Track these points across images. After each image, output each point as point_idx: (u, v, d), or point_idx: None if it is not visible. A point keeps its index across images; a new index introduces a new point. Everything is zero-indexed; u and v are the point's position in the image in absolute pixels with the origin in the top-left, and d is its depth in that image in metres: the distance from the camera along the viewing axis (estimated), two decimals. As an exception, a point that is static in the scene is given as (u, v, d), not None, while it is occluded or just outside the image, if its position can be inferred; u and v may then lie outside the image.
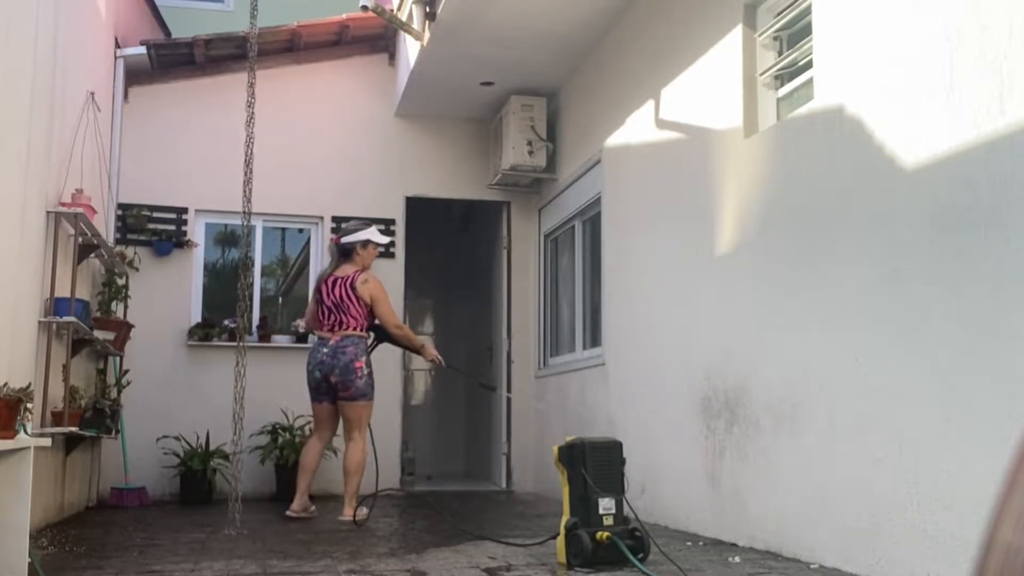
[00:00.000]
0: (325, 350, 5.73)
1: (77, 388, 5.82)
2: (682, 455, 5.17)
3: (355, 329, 5.74)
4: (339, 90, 8.27)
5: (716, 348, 4.83)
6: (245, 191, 5.39)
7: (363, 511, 5.65)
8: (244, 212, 5.41)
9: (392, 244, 6.23)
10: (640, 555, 3.72)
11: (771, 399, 4.27)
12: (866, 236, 3.65)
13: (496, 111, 8.09)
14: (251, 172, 5.44)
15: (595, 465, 3.89)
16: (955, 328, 3.15)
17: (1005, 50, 2.98)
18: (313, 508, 5.92)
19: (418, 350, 6.01)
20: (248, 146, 5.41)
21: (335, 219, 8.07)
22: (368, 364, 5.72)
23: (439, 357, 6.00)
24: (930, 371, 3.25)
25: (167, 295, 7.62)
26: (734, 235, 4.71)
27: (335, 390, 5.72)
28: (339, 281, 5.82)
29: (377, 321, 5.89)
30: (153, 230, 7.61)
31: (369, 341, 5.87)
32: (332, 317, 5.79)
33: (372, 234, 5.98)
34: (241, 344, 5.41)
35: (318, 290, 5.90)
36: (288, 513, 5.75)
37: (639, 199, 6.04)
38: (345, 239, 5.94)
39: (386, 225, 8.20)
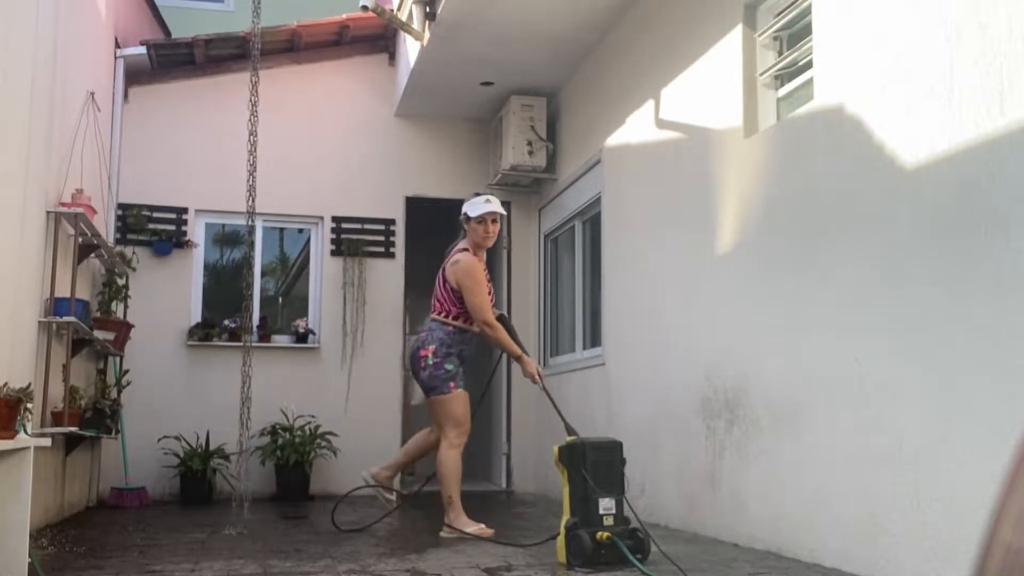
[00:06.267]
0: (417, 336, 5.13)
1: (77, 388, 5.81)
2: (682, 455, 5.17)
3: (439, 314, 5.01)
4: (339, 90, 8.28)
5: (716, 348, 4.83)
6: (249, 190, 5.39)
7: (478, 526, 4.88)
8: (248, 212, 5.41)
9: (503, 216, 5.08)
10: (640, 555, 3.72)
11: (771, 399, 4.27)
12: (866, 236, 3.65)
13: (496, 111, 8.09)
14: (255, 170, 5.44)
15: (595, 465, 3.89)
16: (955, 328, 3.15)
17: (1005, 50, 2.98)
18: (393, 497, 5.34)
19: (515, 359, 5.00)
20: (251, 144, 5.41)
21: (335, 219, 8.08)
22: (437, 353, 4.92)
23: (537, 376, 4.92)
24: (930, 371, 3.25)
25: (167, 295, 7.62)
26: (734, 235, 4.71)
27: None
28: (446, 257, 5.12)
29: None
30: (153, 230, 7.61)
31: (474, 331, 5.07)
32: (431, 300, 5.13)
33: (470, 206, 5.04)
34: (247, 343, 5.38)
35: None
36: (363, 474, 5.27)
37: (639, 199, 6.04)
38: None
39: (386, 225, 8.20)
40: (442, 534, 4.90)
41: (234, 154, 6.91)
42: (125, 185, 7.50)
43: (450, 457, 4.93)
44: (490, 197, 5.08)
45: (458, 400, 4.93)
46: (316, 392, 7.77)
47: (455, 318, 4.99)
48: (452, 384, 4.92)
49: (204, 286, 7.92)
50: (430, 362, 4.92)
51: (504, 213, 5.17)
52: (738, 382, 4.58)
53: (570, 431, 4.33)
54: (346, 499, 5.75)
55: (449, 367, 4.93)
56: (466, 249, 5.03)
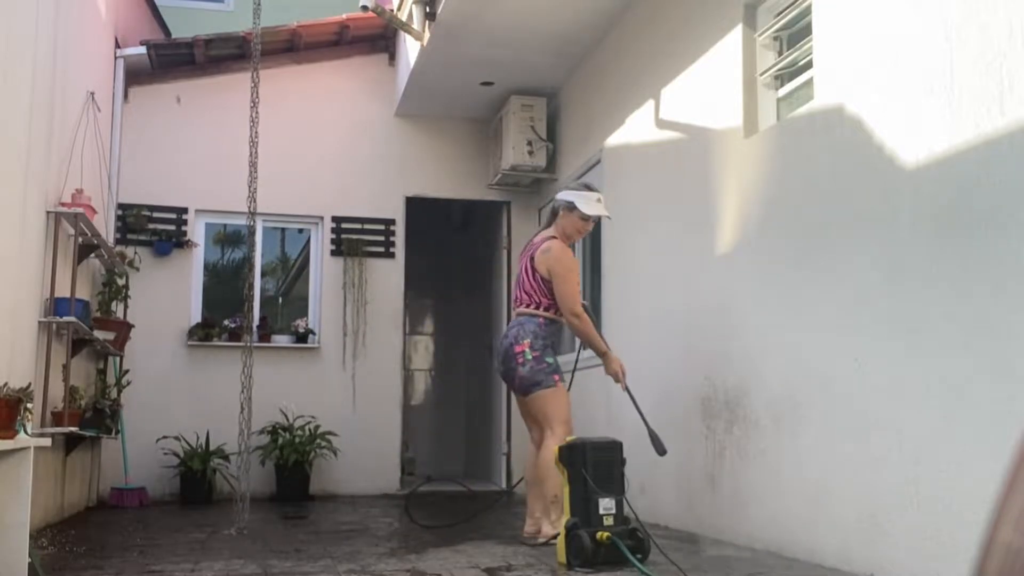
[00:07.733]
0: (503, 333, 4.88)
1: (77, 388, 5.81)
2: (682, 455, 5.16)
3: (528, 307, 4.72)
4: (339, 90, 8.28)
5: (716, 348, 4.83)
6: (250, 190, 5.38)
7: (549, 530, 4.44)
8: (249, 212, 5.40)
9: (604, 217, 4.97)
10: (640, 555, 3.72)
11: (771, 399, 4.27)
12: (866, 236, 3.65)
13: (496, 111, 8.09)
14: (256, 170, 5.44)
15: (595, 465, 3.89)
16: (955, 328, 3.15)
17: (1005, 50, 2.98)
18: (554, 534, 4.27)
19: (599, 355, 4.80)
20: (252, 144, 5.41)
21: (335, 219, 8.08)
22: (534, 347, 4.60)
23: (621, 375, 4.73)
24: (930, 371, 3.25)
25: (167, 295, 7.62)
26: (734, 235, 4.71)
27: (509, 383, 4.82)
28: (528, 247, 4.90)
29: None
30: (153, 230, 7.61)
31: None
32: (515, 292, 4.88)
33: (581, 199, 4.80)
34: (247, 343, 5.38)
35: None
36: (523, 540, 4.64)
37: (639, 199, 6.04)
38: (558, 196, 4.94)
39: (386, 225, 8.20)
40: (539, 540, 4.48)
41: (234, 154, 6.91)
42: (125, 185, 7.50)
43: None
44: (601, 197, 4.91)
45: (562, 394, 4.63)
46: (316, 392, 7.77)
47: (546, 309, 4.70)
48: (556, 376, 4.60)
49: (204, 286, 7.92)
50: (529, 356, 4.58)
51: (611, 218, 5.17)
52: (738, 382, 4.58)
53: (653, 437, 4.41)
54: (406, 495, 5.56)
55: (549, 360, 4.63)
56: (554, 237, 4.80)
